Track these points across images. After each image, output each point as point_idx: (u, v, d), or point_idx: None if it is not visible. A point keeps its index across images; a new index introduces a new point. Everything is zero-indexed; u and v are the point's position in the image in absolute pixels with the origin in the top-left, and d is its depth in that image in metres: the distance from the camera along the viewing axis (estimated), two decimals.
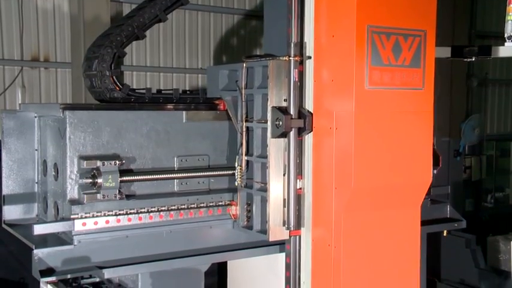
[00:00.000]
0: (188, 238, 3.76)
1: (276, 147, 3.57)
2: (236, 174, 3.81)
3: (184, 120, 3.83)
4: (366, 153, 3.43)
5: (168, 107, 3.93)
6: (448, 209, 4.89)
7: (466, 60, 4.61)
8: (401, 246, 3.73)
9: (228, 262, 6.42)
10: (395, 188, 3.62)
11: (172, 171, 3.77)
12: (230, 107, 3.93)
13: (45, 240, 3.44)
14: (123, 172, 3.48)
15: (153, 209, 3.60)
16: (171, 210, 3.67)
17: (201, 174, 3.86)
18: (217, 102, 4.03)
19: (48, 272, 3.31)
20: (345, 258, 3.50)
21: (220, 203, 3.84)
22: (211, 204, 3.80)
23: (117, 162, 3.44)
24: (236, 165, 3.81)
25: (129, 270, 3.52)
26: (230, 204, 3.87)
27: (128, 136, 3.62)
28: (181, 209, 3.70)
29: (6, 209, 3.94)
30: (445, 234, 5.48)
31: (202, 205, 3.77)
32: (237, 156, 3.83)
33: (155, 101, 4.15)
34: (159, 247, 3.65)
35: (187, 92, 4.54)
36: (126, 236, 3.54)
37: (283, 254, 4.97)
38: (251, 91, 3.77)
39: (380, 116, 3.48)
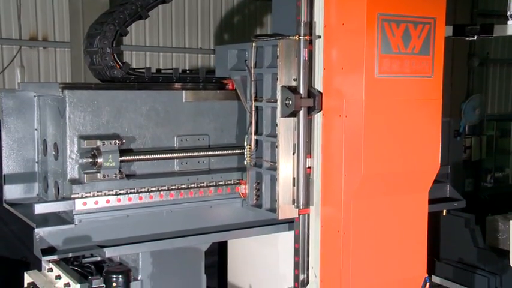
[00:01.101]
0: (190, 217, 3.77)
1: (285, 127, 3.60)
2: (245, 153, 3.84)
3: (184, 100, 3.82)
4: (375, 140, 3.45)
5: (174, 86, 3.91)
6: (448, 188, 4.92)
7: (467, 39, 4.58)
8: (410, 231, 3.78)
9: (229, 242, 6.48)
10: (404, 174, 3.65)
11: (172, 150, 3.76)
12: (239, 86, 3.95)
13: (46, 220, 3.46)
14: (123, 152, 3.48)
15: (153, 189, 3.61)
16: (172, 189, 3.67)
17: (202, 154, 3.86)
18: (225, 81, 4.04)
19: (49, 250, 3.34)
20: (354, 244, 3.54)
21: (221, 183, 3.85)
22: (211, 184, 3.81)
23: (117, 141, 3.44)
24: (245, 144, 3.84)
25: (129, 250, 3.54)
26: (234, 184, 3.88)
27: (128, 116, 3.61)
28: (182, 188, 3.70)
29: (7, 188, 3.95)
30: (444, 213, 5.49)
31: (202, 185, 3.78)
32: (246, 136, 3.86)
33: (155, 80, 4.13)
34: (160, 226, 3.67)
35: (187, 71, 4.51)
36: (126, 216, 3.56)
37: (283, 234, 5.00)
38: (260, 70, 3.78)
39: (389, 104, 3.49)
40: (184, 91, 3.83)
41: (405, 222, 3.75)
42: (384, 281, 3.72)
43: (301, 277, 3.79)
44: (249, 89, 3.84)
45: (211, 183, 3.82)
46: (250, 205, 3.88)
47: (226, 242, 6.48)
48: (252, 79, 3.78)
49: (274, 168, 3.69)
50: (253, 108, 3.80)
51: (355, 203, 3.52)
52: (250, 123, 3.82)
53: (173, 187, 3.68)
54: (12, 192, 3.95)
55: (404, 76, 3.51)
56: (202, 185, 3.78)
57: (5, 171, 3.93)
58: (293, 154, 3.63)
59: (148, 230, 3.63)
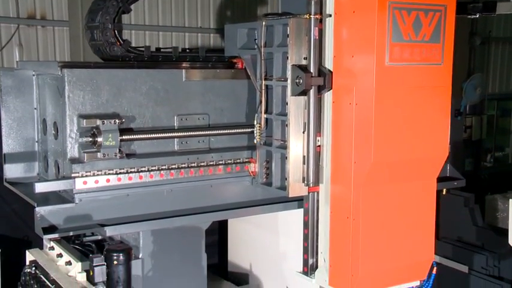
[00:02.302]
0: (190, 196, 3.78)
1: (295, 105, 3.62)
2: (255, 132, 3.87)
3: (183, 79, 3.80)
4: (385, 128, 3.47)
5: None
6: (448, 168, 4.92)
7: (469, 17, 4.54)
8: (418, 217, 3.81)
9: (229, 221, 6.51)
10: (413, 161, 3.67)
11: (172, 130, 3.76)
12: (249, 65, 3.95)
13: (47, 199, 3.47)
14: (123, 131, 3.47)
15: (153, 168, 3.61)
16: (172, 169, 3.67)
17: (202, 133, 3.85)
18: (234, 60, 4.04)
19: (50, 229, 3.35)
20: (364, 230, 3.56)
21: (221, 162, 3.85)
22: (211, 163, 3.81)
23: (117, 121, 3.43)
24: (255, 123, 3.87)
25: (130, 228, 3.56)
26: (237, 162, 3.90)
27: (128, 95, 3.59)
28: (182, 167, 3.71)
29: (7, 167, 3.96)
30: (444, 192, 5.51)
31: (202, 164, 3.77)
32: (256, 114, 3.88)
33: (154, 59, 4.11)
34: (160, 205, 3.68)
35: (187, 50, 4.48)
36: (127, 195, 3.57)
37: (283, 214, 5.02)
38: (270, 49, 3.78)
39: (399, 92, 3.49)
40: (184, 70, 3.80)
41: (414, 208, 3.78)
42: (393, 266, 3.78)
43: (310, 262, 3.85)
44: (259, 68, 3.86)
45: (212, 163, 3.82)
46: (260, 183, 3.93)
47: (226, 221, 6.53)
48: (262, 58, 3.80)
49: (284, 147, 3.72)
50: (263, 87, 3.81)
51: (365, 189, 3.55)
52: (260, 102, 3.84)
53: (173, 166, 3.68)
54: (13, 171, 3.96)
55: (415, 64, 3.51)
56: (202, 164, 3.78)
57: (5, 150, 3.93)
58: (303, 132, 3.66)
59: (148, 209, 3.65)
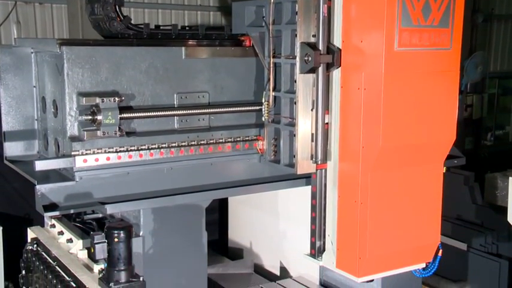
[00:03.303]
0: (190, 174, 3.79)
1: (304, 83, 3.63)
2: (263, 109, 3.90)
3: (183, 57, 3.77)
4: (393, 113, 3.48)
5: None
6: None
7: None
8: (425, 200, 3.84)
9: (229, 199, 6.54)
10: (421, 146, 3.69)
11: (172, 108, 3.74)
12: (257, 43, 3.94)
13: (47, 177, 3.47)
14: (122, 109, 3.46)
15: (153, 146, 3.61)
16: (172, 147, 3.67)
17: (202, 111, 3.84)
18: (243, 38, 4.03)
19: (51, 207, 3.36)
20: (371, 213, 3.60)
21: (221, 140, 3.84)
22: (211, 141, 3.81)
23: (117, 99, 3.41)
24: (263, 100, 3.89)
25: (130, 206, 3.57)
26: (238, 140, 3.91)
27: (127, 73, 3.57)
28: (182, 146, 3.70)
29: (7, 145, 3.95)
30: (444, 170, 5.52)
31: (202, 142, 3.77)
32: (264, 92, 3.90)
33: (153, 36, 4.07)
34: (160, 184, 3.69)
35: (186, 28, 4.44)
36: (127, 173, 3.57)
37: (284, 193, 5.04)
38: (279, 27, 3.77)
39: (408, 77, 3.50)
40: (183, 47, 3.77)
41: (421, 192, 3.82)
42: (400, 248, 3.83)
43: (318, 244, 3.90)
44: (267, 46, 3.86)
45: (212, 141, 3.82)
46: (268, 161, 3.96)
47: (227, 200, 6.56)
48: (271, 36, 3.79)
49: (292, 124, 3.75)
50: (272, 65, 3.82)
51: (373, 174, 3.57)
52: (268, 79, 3.86)
53: (173, 144, 3.68)
54: (13, 149, 3.96)
55: (423, 49, 3.51)
56: (202, 142, 3.78)
57: (4, 128, 3.93)
58: (311, 110, 3.67)
59: (149, 187, 3.65)
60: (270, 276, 5.74)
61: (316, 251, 3.90)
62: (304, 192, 4.95)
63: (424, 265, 4.03)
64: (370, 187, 3.56)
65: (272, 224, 5.80)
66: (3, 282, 4.88)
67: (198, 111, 3.82)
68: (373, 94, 3.43)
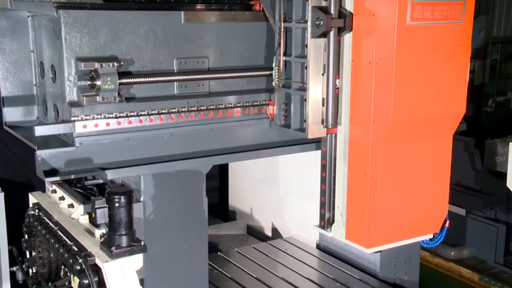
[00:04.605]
0: (190, 140, 3.79)
1: (315, 47, 3.62)
2: (273, 74, 3.89)
3: (182, 21, 3.72)
4: (405, 87, 3.47)
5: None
6: None
7: None
8: (434, 173, 3.88)
9: (230, 165, 6.57)
10: (431, 119, 3.70)
11: (171, 73, 3.71)
12: (267, 7, 3.90)
13: (47, 142, 3.47)
14: (121, 74, 3.43)
15: (153, 112, 3.59)
16: (172, 113, 3.66)
17: (202, 76, 3.81)
18: (252, 2, 4.00)
19: (52, 172, 3.37)
20: (381, 186, 3.64)
21: (221, 106, 3.82)
22: (211, 107, 3.79)
23: (115, 64, 3.38)
24: (274, 65, 3.88)
25: (131, 172, 3.58)
26: (234, 106, 3.89)
27: (126, 37, 3.53)
28: (182, 111, 3.69)
29: (6, 111, 3.94)
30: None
31: (202, 108, 3.76)
32: (275, 57, 3.88)
33: (153, 0, 4.00)
34: (161, 149, 3.69)
35: None
36: (127, 139, 3.57)
37: (284, 158, 5.06)
38: None
39: (419, 51, 3.48)
40: (182, 12, 3.72)
41: (430, 164, 3.84)
42: (408, 220, 3.88)
43: (327, 216, 3.96)
44: (277, 10, 3.82)
45: (212, 107, 3.80)
46: (279, 125, 3.98)
47: (227, 166, 6.59)
48: (281, 0, 3.76)
49: (303, 89, 3.75)
50: (282, 30, 3.80)
51: (383, 147, 3.59)
52: (279, 44, 3.84)
53: (173, 110, 3.67)
54: (12, 114, 3.95)
55: (436, 23, 3.48)
56: (202, 108, 3.76)
57: (3, 93, 3.91)
58: (322, 75, 3.67)
59: (149, 152, 3.66)
60: (262, 238, 5.88)
61: (326, 223, 3.97)
62: (303, 159, 4.99)
63: (431, 236, 4.09)
64: (380, 160, 3.59)
65: (273, 189, 5.86)
66: (6, 246, 4.94)
67: (198, 76, 3.79)
68: (384, 68, 3.43)
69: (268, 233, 6.02)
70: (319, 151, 4.35)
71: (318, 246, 5.36)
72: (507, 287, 6.77)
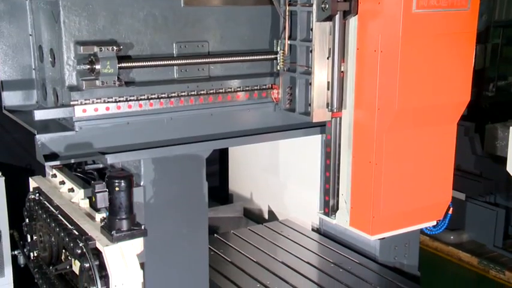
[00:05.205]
0: (190, 125, 3.78)
1: (320, 31, 3.63)
2: (278, 58, 3.89)
3: (182, 5, 3.69)
4: (410, 75, 3.47)
5: None
6: None
7: None
8: (438, 160, 3.89)
9: (230, 150, 6.58)
10: (436, 107, 3.70)
11: (171, 57, 3.69)
12: None
13: (47, 127, 3.47)
14: (121, 58, 3.41)
15: (153, 96, 3.58)
16: (171, 97, 3.65)
17: (202, 60, 3.79)
18: None
19: (52, 156, 3.37)
20: (386, 174, 3.65)
21: (221, 90, 3.81)
22: (211, 91, 3.78)
23: (115, 48, 3.36)
24: (278, 49, 3.88)
25: (131, 156, 3.58)
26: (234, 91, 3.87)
27: (125, 21, 3.50)
28: (182, 96, 3.68)
29: (6, 95, 3.93)
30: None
31: (202, 92, 3.74)
32: (280, 41, 3.88)
33: None
34: (161, 134, 3.69)
35: None
36: (127, 123, 3.56)
37: (284, 142, 5.05)
38: None
39: (425, 39, 3.47)
40: None
41: (434, 152, 3.86)
42: (412, 207, 3.91)
43: (331, 203, 3.98)
44: None
45: (211, 91, 3.79)
46: (284, 109, 3.98)
47: (227, 150, 6.60)
48: None
49: (308, 73, 3.75)
50: (288, 13, 3.79)
51: (388, 135, 3.59)
52: (284, 28, 3.83)
53: (173, 94, 3.65)
54: (11, 98, 3.94)
55: (442, 10, 3.47)
56: (202, 92, 3.75)
57: (2, 77, 3.89)
58: (327, 58, 3.67)
59: (149, 137, 3.65)
60: (259, 220, 5.93)
61: (330, 210, 3.99)
62: (304, 145, 4.99)
63: (435, 222, 4.11)
64: (384, 148, 3.60)
65: (273, 174, 5.87)
66: (8, 230, 4.97)
67: (198, 60, 3.76)
68: (389, 56, 3.42)
69: (265, 215, 6.06)
70: (320, 137, 4.35)
71: (318, 231, 5.38)
72: (506, 270, 6.82)
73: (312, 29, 3.66)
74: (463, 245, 7.42)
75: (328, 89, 3.73)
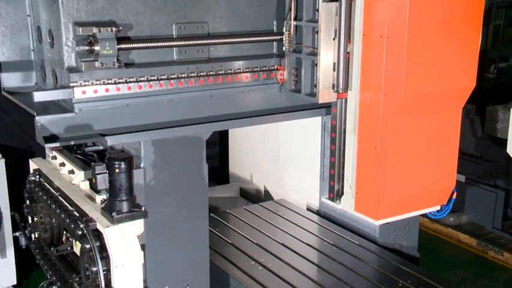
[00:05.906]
0: (189, 106, 3.77)
1: (326, 12, 3.64)
2: (284, 39, 3.89)
3: None
4: (416, 61, 3.46)
5: None
6: None
7: None
8: (443, 145, 3.89)
9: (230, 131, 6.57)
10: (442, 93, 3.69)
11: (171, 39, 3.66)
12: None
13: (47, 108, 3.46)
14: (120, 39, 3.39)
15: (152, 78, 3.56)
16: (171, 78, 3.63)
17: (202, 42, 3.75)
18: None
19: (51, 138, 3.36)
20: (391, 159, 3.66)
21: (221, 72, 3.79)
22: (211, 73, 3.76)
23: (114, 29, 3.33)
24: (284, 30, 3.88)
25: (131, 138, 3.58)
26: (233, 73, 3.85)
27: (123, 1, 3.47)
28: (182, 77, 3.66)
29: (4, 76, 3.91)
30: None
31: (202, 74, 3.72)
32: (285, 21, 3.87)
33: None
34: (161, 115, 3.68)
35: None
36: (126, 105, 3.55)
37: (284, 124, 5.03)
38: None
39: (431, 25, 3.46)
40: None
41: (439, 137, 3.86)
42: (417, 192, 3.92)
43: (336, 188, 4.01)
44: None
45: (211, 72, 3.77)
46: (289, 90, 3.99)
47: (227, 132, 6.59)
48: None
49: (314, 54, 3.76)
50: None
51: (394, 121, 3.59)
52: (290, 8, 3.83)
53: (173, 76, 3.63)
54: (10, 80, 3.92)
55: None
56: (202, 74, 3.73)
57: (0, 59, 3.87)
58: (333, 39, 3.67)
59: (149, 119, 3.64)
60: (255, 200, 5.97)
61: (335, 195, 4.01)
62: (303, 128, 4.97)
63: (439, 207, 4.13)
64: (390, 134, 3.60)
65: (274, 156, 5.87)
66: (9, 212, 4.99)
67: (197, 41, 3.73)
68: (396, 42, 3.41)
69: (261, 195, 6.09)
70: (320, 120, 4.34)
71: (318, 213, 5.40)
72: (504, 251, 6.86)
73: (318, 10, 3.66)
74: (462, 226, 7.45)
75: (334, 70, 3.73)
